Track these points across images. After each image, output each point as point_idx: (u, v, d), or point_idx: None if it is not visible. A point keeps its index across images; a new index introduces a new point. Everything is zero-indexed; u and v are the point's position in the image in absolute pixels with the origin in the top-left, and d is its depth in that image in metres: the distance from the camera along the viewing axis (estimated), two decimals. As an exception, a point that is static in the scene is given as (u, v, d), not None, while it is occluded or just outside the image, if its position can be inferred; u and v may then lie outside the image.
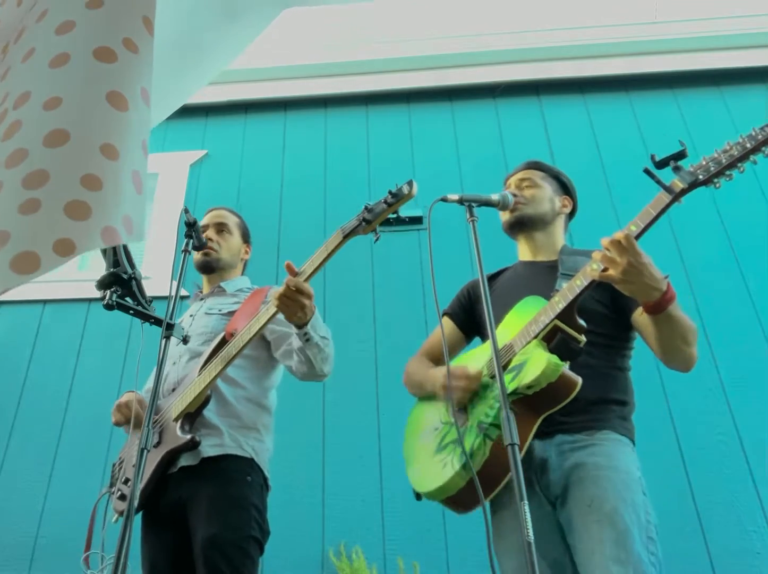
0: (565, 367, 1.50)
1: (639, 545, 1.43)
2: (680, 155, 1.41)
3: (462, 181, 3.96)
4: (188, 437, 1.83)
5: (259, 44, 1.91)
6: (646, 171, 1.41)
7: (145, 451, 1.53)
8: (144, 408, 1.94)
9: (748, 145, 1.33)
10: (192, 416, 1.89)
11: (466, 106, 4.35)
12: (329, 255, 1.74)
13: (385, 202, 1.66)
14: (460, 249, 3.16)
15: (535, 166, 1.99)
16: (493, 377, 1.60)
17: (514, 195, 1.85)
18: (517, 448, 1.29)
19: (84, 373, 3.51)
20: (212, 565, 1.72)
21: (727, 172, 1.36)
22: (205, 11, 1.64)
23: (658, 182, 1.42)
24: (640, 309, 1.58)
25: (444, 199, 1.65)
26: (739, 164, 1.35)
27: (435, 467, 1.61)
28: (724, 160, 1.35)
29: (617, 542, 1.42)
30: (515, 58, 4.35)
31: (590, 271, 1.49)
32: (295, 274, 1.75)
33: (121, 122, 0.94)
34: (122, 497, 1.94)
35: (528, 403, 1.52)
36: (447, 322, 1.97)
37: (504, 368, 1.59)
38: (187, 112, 3.56)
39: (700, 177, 1.37)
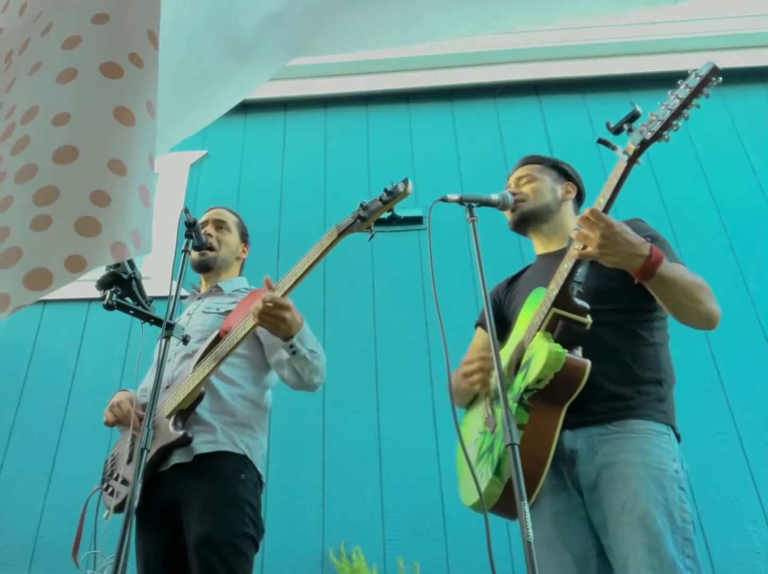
0: (569, 353, 1.48)
1: (673, 550, 1.39)
2: (633, 117, 1.42)
3: (462, 181, 3.96)
4: (180, 432, 1.83)
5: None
6: (600, 140, 1.43)
7: (145, 451, 1.53)
8: (136, 407, 1.93)
9: (688, 90, 1.36)
10: (185, 413, 1.88)
11: (466, 106, 4.35)
12: (324, 252, 1.74)
13: (381, 200, 1.67)
14: (460, 249, 3.16)
15: (531, 160, 1.98)
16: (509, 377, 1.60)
17: (514, 194, 1.84)
18: (517, 448, 1.29)
19: (84, 373, 3.51)
20: (206, 563, 1.71)
21: (674, 122, 1.38)
22: (214, 53, 1.67)
23: (614, 148, 1.43)
24: None
25: (444, 199, 1.64)
26: (684, 111, 1.37)
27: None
28: (668, 112, 1.37)
29: (650, 548, 1.38)
30: (515, 58, 4.35)
31: (573, 251, 1.49)
32: (271, 289, 1.76)
33: (129, 137, 0.96)
34: (112, 493, 1.94)
35: (545, 396, 1.51)
36: (481, 332, 1.94)
37: (517, 366, 1.59)
38: (187, 112, 3.55)
39: (648, 134, 1.39)
